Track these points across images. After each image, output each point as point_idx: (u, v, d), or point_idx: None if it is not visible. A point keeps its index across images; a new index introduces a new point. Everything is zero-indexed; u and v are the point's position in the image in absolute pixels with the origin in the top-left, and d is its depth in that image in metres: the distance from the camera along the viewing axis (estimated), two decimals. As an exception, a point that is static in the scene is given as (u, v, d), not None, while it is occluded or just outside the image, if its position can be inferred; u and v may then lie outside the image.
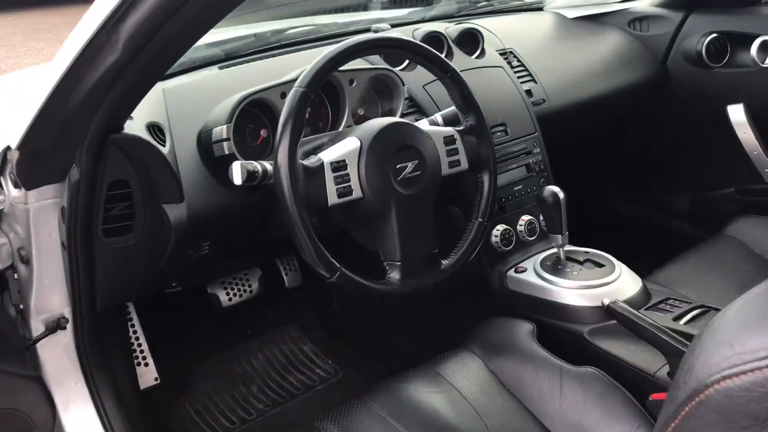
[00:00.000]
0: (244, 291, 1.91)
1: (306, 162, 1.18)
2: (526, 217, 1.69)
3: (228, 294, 1.88)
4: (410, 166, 1.25)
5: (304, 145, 1.33)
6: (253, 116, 1.39)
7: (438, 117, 1.45)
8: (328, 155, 1.20)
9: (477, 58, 1.79)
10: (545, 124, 1.78)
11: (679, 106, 2.16)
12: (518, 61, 1.85)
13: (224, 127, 1.29)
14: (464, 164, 1.37)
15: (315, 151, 1.26)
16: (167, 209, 1.30)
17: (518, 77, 1.81)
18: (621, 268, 1.56)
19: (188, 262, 1.39)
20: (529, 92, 1.81)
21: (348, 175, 1.20)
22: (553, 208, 1.54)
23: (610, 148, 2.37)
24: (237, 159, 1.29)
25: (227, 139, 1.29)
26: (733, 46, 2.01)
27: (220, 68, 1.62)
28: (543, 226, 1.71)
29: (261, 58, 1.67)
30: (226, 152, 1.29)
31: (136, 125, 1.24)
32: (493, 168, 1.39)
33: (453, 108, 1.46)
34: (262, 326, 2.03)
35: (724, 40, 2.03)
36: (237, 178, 1.16)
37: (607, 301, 1.44)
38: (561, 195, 1.54)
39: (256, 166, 1.17)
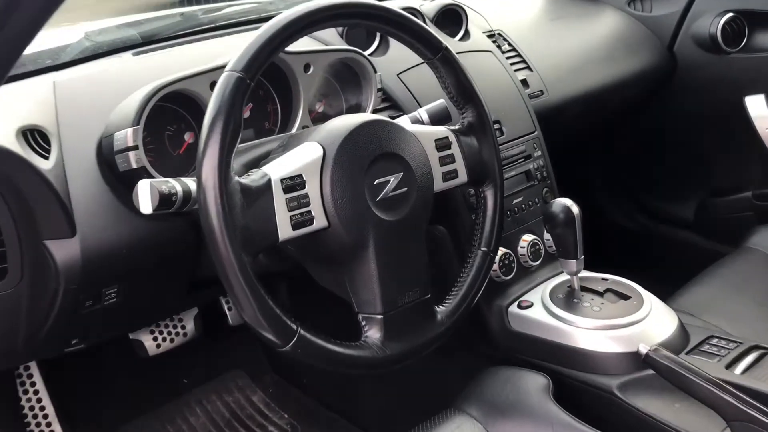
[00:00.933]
0: (177, 334, 1.53)
1: (245, 179, 0.82)
2: (528, 237, 1.36)
3: (156, 339, 1.50)
4: (393, 181, 0.91)
5: (243, 154, 0.97)
6: (175, 116, 1.03)
7: (422, 113, 1.11)
8: (278, 168, 0.85)
9: (461, 40, 1.45)
10: (544, 121, 1.46)
11: (687, 99, 1.86)
12: (509, 44, 1.52)
13: (129, 130, 0.92)
14: (463, 175, 1.02)
15: (259, 162, 0.90)
16: (51, 247, 0.93)
17: (510, 64, 1.48)
18: (650, 300, 1.25)
19: (88, 316, 1.01)
20: (524, 82, 1.48)
21: (306, 196, 0.84)
22: (565, 226, 1.21)
23: (606, 150, 2.06)
24: (149, 175, 0.92)
25: (134, 148, 0.92)
26: (753, 27, 1.73)
27: (135, 54, 1.24)
28: (548, 247, 1.38)
29: (189, 42, 1.30)
30: (134, 165, 0.92)
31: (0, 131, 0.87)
32: (499, 179, 1.06)
33: (441, 102, 1.12)
34: (201, 374, 1.65)
35: (742, 21, 1.74)
36: (145, 204, 0.80)
37: (645, 349, 1.12)
38: (576, 210, 1.21)
39: (174, 185, 0.81)
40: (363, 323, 0.90)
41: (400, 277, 0.90)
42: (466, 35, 1.46)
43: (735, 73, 1.77)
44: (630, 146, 2.05)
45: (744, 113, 1.75)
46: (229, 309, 1.64)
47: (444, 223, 1.30)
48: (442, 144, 1.00)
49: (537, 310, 1.26)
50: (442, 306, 0.98)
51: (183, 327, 1.53)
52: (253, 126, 1.10)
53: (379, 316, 0.88)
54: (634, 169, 2.08)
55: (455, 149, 1.01)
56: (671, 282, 1.86)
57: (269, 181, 0.82)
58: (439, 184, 0.99)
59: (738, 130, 1.79)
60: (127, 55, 1.24)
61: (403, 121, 1.05)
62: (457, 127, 1.04)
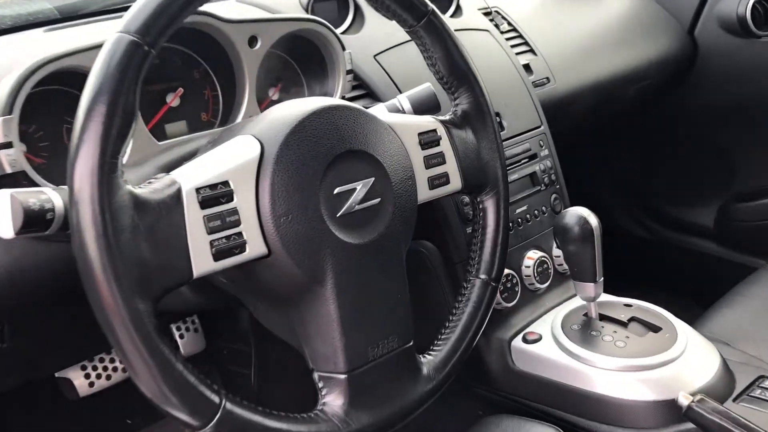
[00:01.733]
0: (114, 369, 1.27)
1: (143, 189, 0.57)
2: (534, 254, 1.12)
3: (88, 377, 1.25)
4: (360, 189, 0.67)
5: (162, 154, 0.72)
6: (70, 103, 0.78)
7: (403, 100, 0.86)
8: (194, 174, 0.60)
9: (452, 17, 1.21)
10: (551, 114, 1.22)
11: (708, 89, 1.64)
12: (508, 24, 1.28)
13: (-1, 121, 0.67)
14: (456, 181, 0.78)
15: (175, 166, 0.65)
16: None
17: (511, 46, 1.24)
18: (685, 332, 1.02)
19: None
20: (527, 68, 1.25)
21: (235, 212, 0.60)
22: (582, 242, 0.98)
23: (616, 149, 1.83)
24: (29, 183, 0.68)
25: (6, 145, 0.67)
26: (788, 6, 1.51)
27: (47, 31, 0.99)
28: (559, 265, 1.15)
29: (117, 18, 1.05)
30: (7, 170, 0.68)
31: None
32: (503, 186, 0.82)
33: (426, 86, 0.88)
34: (147, 415, 1.40)
35: (775, 0, 1.52)
36: (4, 225, 0.55)
37: (686, 400, 0.89)
38: (594, 222, 0.98)
39: (50, 198, 0.56)
40: (320, 385, 0.65)
41: (370, 321, 0.66)
42: (458, 11, 1.22)
43: (766, 60, 1.54)
44: (643, 144, 1.81)
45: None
46: (181, 337, 1.38)
47: (432, 238, 1.06)
48: (428, 139, 0.76)
49: (546, 344, 1.03)
50: (429, 355, 0.74)
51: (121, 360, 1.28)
52: (185, 117, 0.86)
53: (342, 376, 0.64)
54: (647, 170, 1.85)
55: (445, 146, 0.77)
56: (692, 300, 1.64)
57: (178, 191, 0.57)
58: (424, 193, 0.75)
59: (766, 125, 1.56)
60: (38, 32, 0.99)
61: (378, 110, 0.81)
62: (447, 117, 0.80)
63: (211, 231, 0.58)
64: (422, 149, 0.75)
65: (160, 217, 0.56)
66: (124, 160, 0.55)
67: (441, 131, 0.77)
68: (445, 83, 0.79)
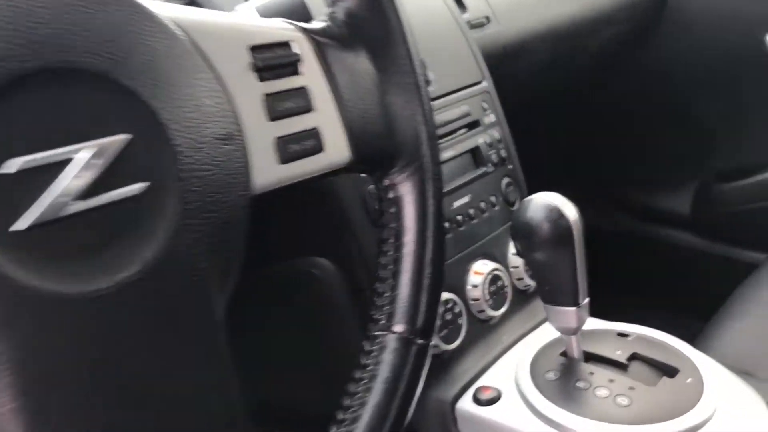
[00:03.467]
0: None
1: None
2: (483, 267, 0.76)
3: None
4: (84, 162, 0.28)
5: None
6: None
7: None
8: None
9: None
10: (494, 67, 0.87)
11: (680, 44, 1.33)
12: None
13: None
14: (339, 147, 0.41)
15: None
16: None
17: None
18: (712, 370, 0.68)
19: None
20: (460, 4, 0.89)
21: None
22: (555, 246, 0.64)
23: (572, 122, 1.50)
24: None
25: None
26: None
27: None
28: (518, 279, 0.80)
29: None
30: None
31: None
32: (429, 159, 0.45)
33: None
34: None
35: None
36: None
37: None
38: (573, 214, 0.64)
39: None
40: None
41: None
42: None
43: (751, 5, 1.23)
44: (605, 118, 1.49)
45: (764, 60, 1.22)
46: None
47: (327, 252, 0.69)
48: (272, 60, 0.38)
49: (509, 405, 0.67)
50: None
51: None
52: None
53: None
54: (611, 149, 1.52)
55: (312, 76, 0.40)
56: (676, 308, 1.33)
57: None
58: (269, 171, 0.38)
59: (754, 86, 1.27)
60: None
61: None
62: (319, 24, 0.43)
63: None
64: (260, 79, 0.37)
65: None
66: None
67: (303, 47, 0.40)
68: None
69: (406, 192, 0.45)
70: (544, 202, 0.63)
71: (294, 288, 0.71)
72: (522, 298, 0.78)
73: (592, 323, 0.74)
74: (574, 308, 0.65)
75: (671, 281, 1.45)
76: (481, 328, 0.75)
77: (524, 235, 0.64)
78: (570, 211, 0.63)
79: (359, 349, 0.46)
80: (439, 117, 0.75)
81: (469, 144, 0.78)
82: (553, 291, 0.66)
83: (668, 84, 1.37)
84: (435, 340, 0.69)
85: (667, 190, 1.50)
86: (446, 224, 0.74)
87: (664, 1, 1.26)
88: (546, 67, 1.07)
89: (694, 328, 1.03)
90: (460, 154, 0.77)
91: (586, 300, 0.66)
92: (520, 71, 1.00)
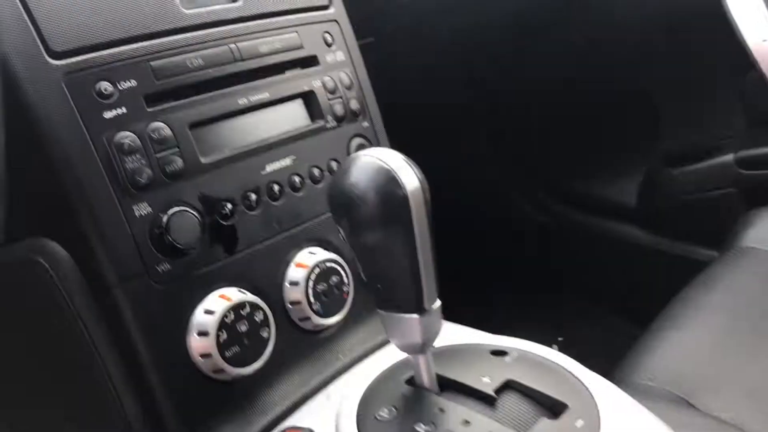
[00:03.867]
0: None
1: None
2: (310, 257, 0.54)
3: None
4: None
5: None
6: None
7: None
8: None
9: None
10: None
11: (616, 6, 1.13)
12: None
13: None
14: None
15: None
16: None
17: None
18: (613, 402, 0.46)
19: None
20: None
21: None
22: (386, 225, 0.42)
23: (492, 94, 1.29)
24: None
25: None
26: None
27: None
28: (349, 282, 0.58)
29: None
30: None
31: None
32: None
33: None
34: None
35: None
36: None
37: None
38: (414, 181, 0.42)
39: None
40: None
41: None
42: None
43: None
44: (532, 89, 1.28)
45: (720, 19, 1.03)
46: None
47: (53, 231, 0.47)
48: None
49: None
50: None
51: None
52: None
53: None
54: (542, 129, 1.32)
55: None
56: (617, 313, 1.13)
57: None
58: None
59: (709, 50, 1.09)
60: None
61: None
62: None
63: None
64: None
65: None
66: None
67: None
68: None
69: None
70: (372, 162, 0.43)
71: (11, 284, 0.48)
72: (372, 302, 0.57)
73: (460, 335, 0.53)
74: (416, 316, 0.44)
75: (614, 280, 1.25)
76: (303, 344, 0.53)
77: (344, 209, 0.43)
78: (407, 174, 0.42)
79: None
80: (248, 45, 0.53)
81: (298, 86, 0.56)
82: (387, 290, 0.45)
83: (603, 51, 1.17)
84: (221, 363, 0.47)
85: (609, 178, 1.31)
86: (252, 196, 0.52)
87: None
88: (437, 8, 0.85)
89: (635, 334, 0.83)
90: (282, 100, 0.55)
91: (437, 304, 0.45)
92: (398, 10, 0.78)
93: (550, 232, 1.39)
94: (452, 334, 0.54)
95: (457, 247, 0.92)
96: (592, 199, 1.35)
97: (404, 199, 0.42)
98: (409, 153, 0.50)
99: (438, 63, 1.13)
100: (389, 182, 0.42)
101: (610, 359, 1.24)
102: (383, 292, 0.45)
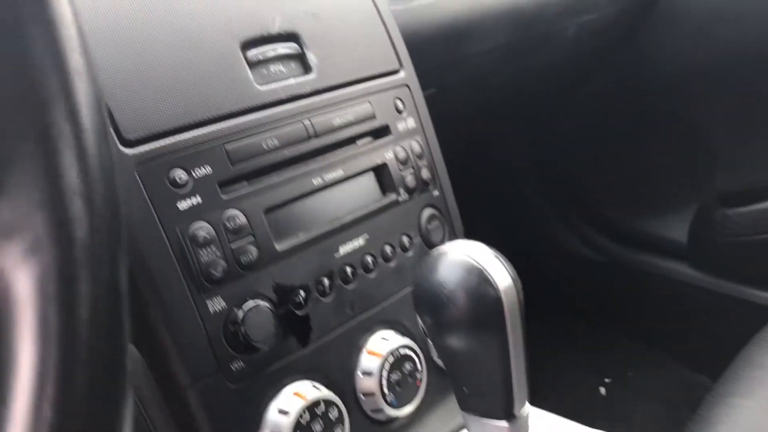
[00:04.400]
0: None
1: None
2: (383, 344, 0.51)
3: None
4: None
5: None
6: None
7: None
8: None
9: None
10: (423, 54, 0.62)
11: (677, 45, 1.10)
12: None
13: None
14: None
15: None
16: None
17: None
18: None
19: None
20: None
21: None
22: (478, 328, 0.39)
23: (543, 129, 1.26)
24: None
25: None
26: None
27: None
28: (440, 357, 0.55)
29: None
30: None
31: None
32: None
33: None
34: None
35: None
36: None
37: None
38: (507, 279, 0.39)
39: None
40: None
41: None
42: None
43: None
44: (584, 123, 1.25)
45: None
46: None
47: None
48: None
49: None
50: None
51: None
52: None
53: None
54: (592, 161, 1.28)
55: None
56: (670, 351, 1.09)
57: None
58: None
59: (762, 92, 1.05)
60: None
61: None
62: None
63: None
64: None
65: None
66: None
67: None
68: None
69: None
70: (461, 259, 0.40)
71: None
72: (444, 386, 0.54)
73: (543, 418, 0.50)
74: (505, 423, 0.41)
75: (666, 320, 1.21)
76: (376, 435, 0.50)
77: (430, 308, 0.41)
78: (500, 273, 0.40)
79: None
80: (322, 119, 0.51)
81: (371, 160, 0.54)
82: (475, 395, 0.42)
83: (660, 88, 1.13)
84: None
85: (661, 214, 1.27)
86: (326, 281, 0.49)
87: (648, 3, 1.02)
88: (500, 59, 0.82)
89: (696, 383, 0.79)
90: (355, 175, 0.52)
91: (526, 408, 0.42)
92: (462, 61, 0.75)
93: (599, 269, 1.35)
94: (538, 420, 0.51)
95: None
96: (642, 236, 1.30)
97: (497, 301, 0.39)
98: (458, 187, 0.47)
99: (495, 105, 1.10)
100: (481, 282, 0.39)
101: (661, 404, 1.20)
102: (469, 396, 0.43)
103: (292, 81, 0.50)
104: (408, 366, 0.51)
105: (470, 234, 0.63)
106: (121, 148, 0.42)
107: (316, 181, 0.49)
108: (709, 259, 1.20)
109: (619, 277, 1.32)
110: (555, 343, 1.26)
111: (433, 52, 0.67)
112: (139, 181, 0.42)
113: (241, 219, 0.45)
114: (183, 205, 0.43)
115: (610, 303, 1.32)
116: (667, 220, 1.26)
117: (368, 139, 0.55)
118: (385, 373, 0.50)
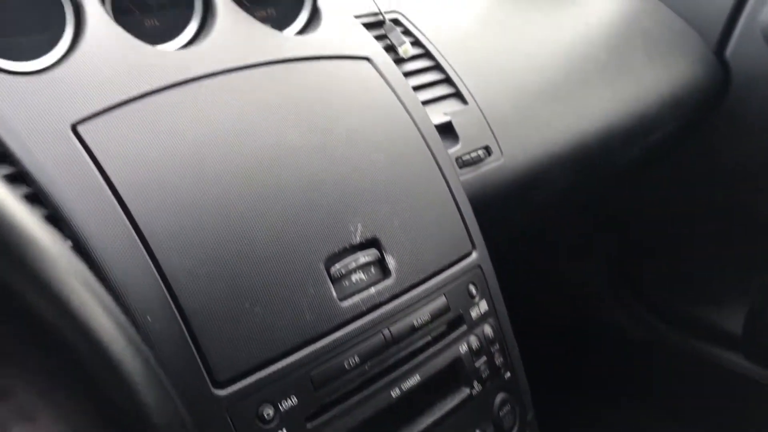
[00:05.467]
0: None
1: None
2: None
3: None
4: None
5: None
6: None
7: None
8: None
9: (302, 32, 0.60)
10: (492, 212, 0.63)
11: (743, 133, 1.08)
12: (417, 43, 0.69)
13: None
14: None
15: None
16: None
17: (415, 89, 0.64)
18: None
19: None
20: (446, 130, 0.64)
21: None
22: None
23: (601, 217, 1.25)
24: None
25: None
26: None
27: None
28: None
29: None
30: None
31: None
32: None
33: None
34: None
35: None
36: None
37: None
38: None
39: None
40: None
41: None
42: (313, 22, 0.61)
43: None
44: (642, 210, 1.23)
45: None
46: None
47: None
48: None
49: None
50: None
51: None
52: None
53: None
54: (648, 246, 1.27)
55: None
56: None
57: None
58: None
59: None
60: None
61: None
62: None
63: None
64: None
65: None
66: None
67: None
68: None
69: None
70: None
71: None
72: None
73: None
74: None
75: (714, 409, 1.19)
76: None
77: None
78: None
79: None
80: (400, 325, 0.51)
81: (444, 358, 0.54)
82: None
83: (722, 178, 1.11)
84: None
85: (715, 302, 1.24)
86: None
87: (721, 92, 1.01)
88: (567, 191, 0.81)
89: None
90: (427, 379, 0.53)
91: None
92: (531, 202, 0.75)
93: (645, 349, 1.33)
94: None
95: (543, 356, 0.88)
96: (692, 319, 1.29)
97: None
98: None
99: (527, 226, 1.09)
100: None
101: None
102: None
103: (372, 291, 0.50)
104: None
105: (517, 298, 0.63)
106: (213, 390, 0.43)
107: (395, 393, 0.50)
108: (763, 353, 1.18)
109: (669, 361, 1.31)
110: (590, 418, 1.26)
111: (498, 208, 0.67)
112: (230, 421, 0.43)
113: None
114: (269, 440, 0.44)
115: (655, 385, 1.31)
116: (721, 309, 1.24)
117: (443, 331, 0.55)
118: None
